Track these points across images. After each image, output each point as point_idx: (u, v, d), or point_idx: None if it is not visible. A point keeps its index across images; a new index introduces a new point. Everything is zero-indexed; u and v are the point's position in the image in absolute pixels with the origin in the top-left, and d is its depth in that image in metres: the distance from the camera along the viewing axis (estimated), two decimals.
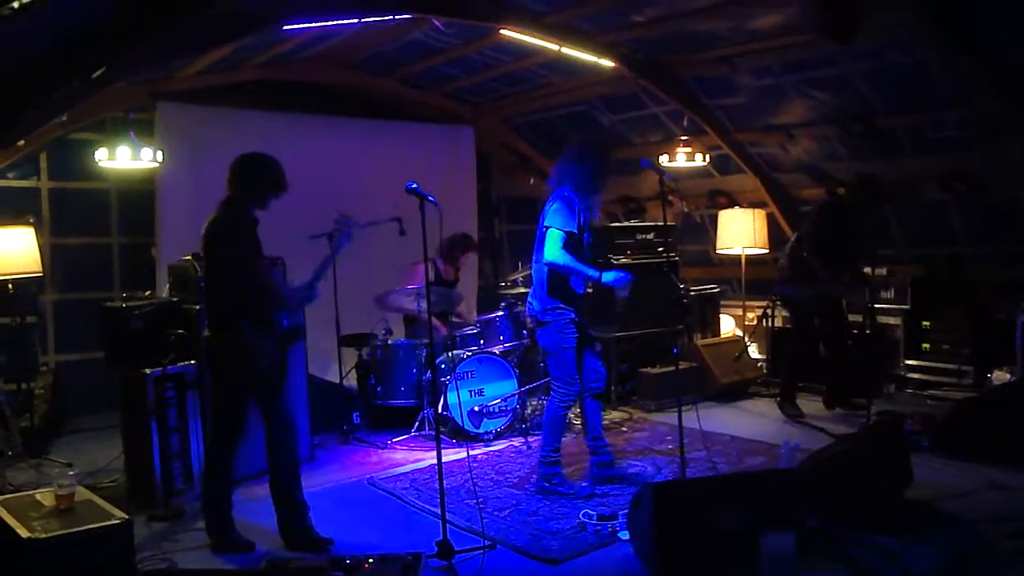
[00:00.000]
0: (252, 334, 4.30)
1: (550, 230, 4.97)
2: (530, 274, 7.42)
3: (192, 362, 5.32)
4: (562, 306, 5.08)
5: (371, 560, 3.85)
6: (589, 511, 4.64)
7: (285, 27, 5.84)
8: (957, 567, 3.81)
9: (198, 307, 5.40)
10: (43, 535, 3.37)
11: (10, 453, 5.98)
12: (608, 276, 5.00)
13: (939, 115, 6.40)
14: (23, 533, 3.38)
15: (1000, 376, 6.52)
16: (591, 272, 4.97)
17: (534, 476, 5.48)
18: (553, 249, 4.93)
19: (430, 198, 4.30)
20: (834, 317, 6.84)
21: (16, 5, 2.99)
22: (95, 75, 3.43)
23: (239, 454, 5.47)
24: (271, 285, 4.78)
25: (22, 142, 6.57)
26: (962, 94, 6.09)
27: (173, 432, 5.24)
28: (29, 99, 3.39)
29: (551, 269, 5.07)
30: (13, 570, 3.44)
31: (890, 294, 7.31)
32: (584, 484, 5.26)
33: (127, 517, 3.56)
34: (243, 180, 4.54)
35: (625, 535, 4.29)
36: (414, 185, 4.31)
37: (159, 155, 6.59)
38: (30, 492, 3.98)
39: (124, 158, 6.37)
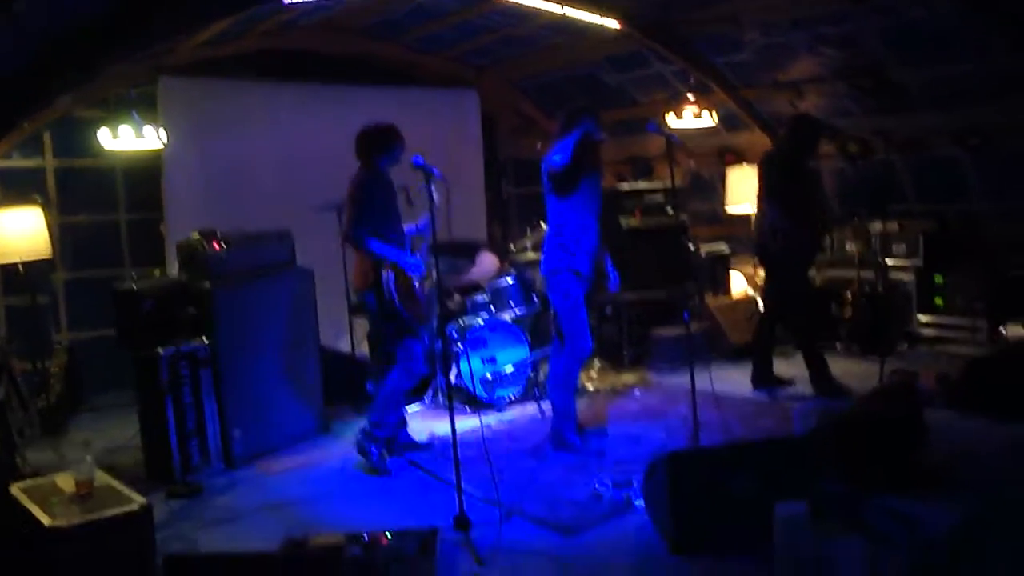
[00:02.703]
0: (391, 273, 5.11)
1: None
2: (538, 240, 7.48)
3: (204, 339, 5.35)
4: (563, 262, 5.23)
5: (388, 535, 3.87)
6: (604, 479, 4.66)
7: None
8: (971, 529, 3.79)
9: (207, 285, 5.42)
10: (64, 523, 3.40)
11: (28, 433, 6.03)
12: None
13: (953, 69, 6.29)
14: (45, 520, 3.42)
15: (1015, 331, 6.48)
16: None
17: (548, 443, 5.53)
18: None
19: (436, 173, 4.28)
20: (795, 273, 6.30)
21: None
22: (97, 62, 3.40)
23: (254, 431, 5.60)
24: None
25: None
26: (977, 48, 5.99)
27: (188, 409, 5.28)
28: (34, 93, 3.38)
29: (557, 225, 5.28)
30: (36, 557, 3.48)
31: (902, 249, 7.25)
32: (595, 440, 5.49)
33: (146, 502, 3.59)
34: (373, 146, 5.22)
35: (640, 503, 4.31)
36: (420, 161, 4.28)
37: (162, 134, 6.53)
38: (50, 477, 4.01)
39: (127, 138, 6.32)
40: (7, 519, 3.72)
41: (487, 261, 7.48)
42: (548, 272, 5.31)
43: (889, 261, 7.13)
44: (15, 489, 3.83)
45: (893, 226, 7.27)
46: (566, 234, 5.24)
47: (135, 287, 5.32)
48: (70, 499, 3.67)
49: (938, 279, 7.10)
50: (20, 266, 6.63)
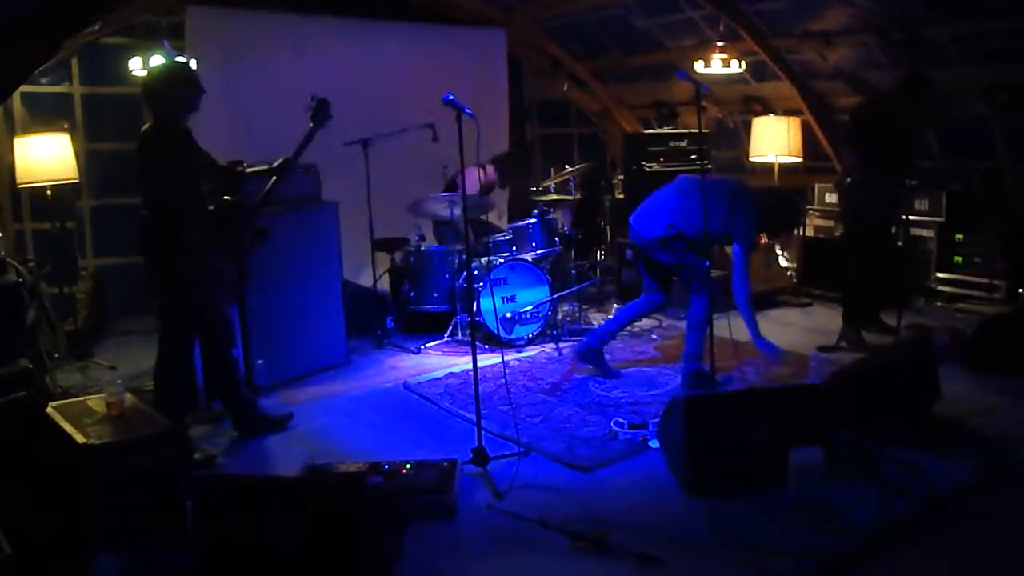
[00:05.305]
0: (196, 233, 4.49)
1: (738, 246, 5.39)
2: (562, 182, 7.51)
3: None
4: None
5: (408, 466, 3.97)
6: (620, 419, 4.74)
7: None
8: (984, 484, 3.87)
9: None
10: (98, 441, 3.50)
11: (56, 355, 6.15)
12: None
13: (986, 25, 6.20)
14: (79, 439, 3.52)
15: None
16: None
17: (565, 382, 5.66)
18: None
19: (467, 111, 4.28)
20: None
21: None
22: None
23: (278, 362, 5.67)
24: (211, 170, 4.89)
25: None
26: (1010, 3, 5.90)
27: None
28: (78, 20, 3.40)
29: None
30: (70, 475, 3.59)
31: (924, 206, 7.23)
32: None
33: (174, 425, 3.69)
34: (162, 94, 4.58)
35: (655, 443, 4.39)
36: (451, 97, 4.28)
37: (193, 64, 6.52)
38: (81, 399, 4.11)
39: None
40: (42, 437, 3.82)
41: (472, 178, 7.33)
42: (664, 230, 5.41)
43: (910, 217, 7.09)
44: (49, 408, 3.93)
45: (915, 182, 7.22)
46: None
47: None
48: (102, 419, 3.76)
49: (959, 237, 7.08)
50: (48, 191, 6.70)
